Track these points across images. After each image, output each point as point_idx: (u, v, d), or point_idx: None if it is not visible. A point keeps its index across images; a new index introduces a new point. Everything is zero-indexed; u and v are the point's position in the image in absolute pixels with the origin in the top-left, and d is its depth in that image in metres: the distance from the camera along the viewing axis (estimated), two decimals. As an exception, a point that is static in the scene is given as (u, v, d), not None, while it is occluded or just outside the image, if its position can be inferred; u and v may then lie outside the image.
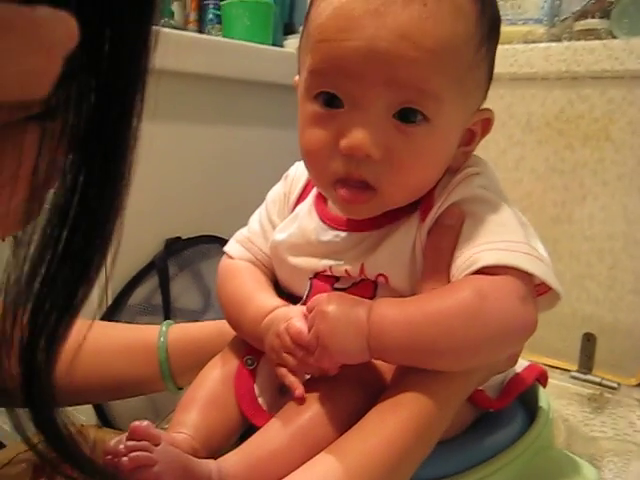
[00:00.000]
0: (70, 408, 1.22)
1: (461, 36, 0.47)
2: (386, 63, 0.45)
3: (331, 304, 0.46)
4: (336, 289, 0.54)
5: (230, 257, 0.62)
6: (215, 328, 0.68)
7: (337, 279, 0.55)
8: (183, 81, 1.21)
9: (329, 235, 0.55)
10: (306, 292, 0.55)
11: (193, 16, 1.70)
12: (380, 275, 0.52)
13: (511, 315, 0.46)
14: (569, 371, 0.90)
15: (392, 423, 0.46)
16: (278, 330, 0.50)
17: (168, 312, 1.21)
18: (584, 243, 0.92)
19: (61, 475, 1.00)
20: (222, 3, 1.41)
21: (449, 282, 0.49)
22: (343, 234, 0.54)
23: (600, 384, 0.86)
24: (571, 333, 0.92)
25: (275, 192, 0.64)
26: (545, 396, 0.64)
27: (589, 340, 0.88)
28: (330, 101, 0.48)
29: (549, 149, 0.94)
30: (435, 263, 0.50)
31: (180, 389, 0.68)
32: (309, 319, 0.48)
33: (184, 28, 1.68)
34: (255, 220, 0.64)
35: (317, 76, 0.48)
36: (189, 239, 1.24)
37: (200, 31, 1.68)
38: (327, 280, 0.55)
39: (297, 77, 0.56)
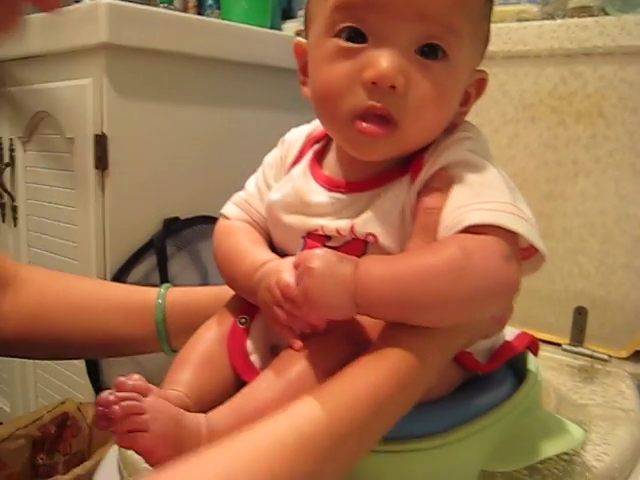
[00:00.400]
0: (68, 386, 1.24)
1: None
2: None
3: (317, 260, 0.47)
4: (327, 247, 0.54)
5: (227, 218, 0.64)
6: (213, 293, 0.70)
7: (329, 238, 0.56)
8: (182, 63, 1.22)
9: (322, 196, 0.56)
10: (299, 251, 0.56)
11: (192, 1, 1.71)
12: (370, 234, 0.53)
13: (495, 273, 0.47)
14: (561, 345, 0.91)
15: (375, 372, 0.46)
16: (269, 284, 0.51)
17: (166, 291, 1.22)
18: (576, 218, 0.93)
19: (59, 452, 1.01)
20: (220, -14, 1.42)
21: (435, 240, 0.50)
22: (336, 195, 0.56)
23: (591, 356, 0.87)
24: (563, 307, 0.93)
25: (271, 156, 0.66)
26: (534, 361, 0.66)
27: (580, 314, 0.89)
28: (354, 36, 0.49)
29: (542, 126, 0.95)
30: (423, 223, 0.51)
31: (175, 352, 0.69)
32: (296, 275, 0.49)
33: (184, 12, 1.69)
34: (252, 183, 0.66)
35: (342, 10, 0.49)
36: (187, 219, 1.26)
37: (200, 15, 1.69)
38: (319, 239, 0.56)
39: (298, 39, 0.57)
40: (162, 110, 1.21)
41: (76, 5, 1.17)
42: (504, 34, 0.97)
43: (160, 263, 1.21)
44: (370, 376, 0.46)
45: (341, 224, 0.54)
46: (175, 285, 0.72)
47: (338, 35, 0.50)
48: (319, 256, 0.48)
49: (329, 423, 0.43)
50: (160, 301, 0.70)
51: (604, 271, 0.91)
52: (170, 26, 1.17)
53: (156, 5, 1.56)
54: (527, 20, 0.96)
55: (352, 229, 0.53)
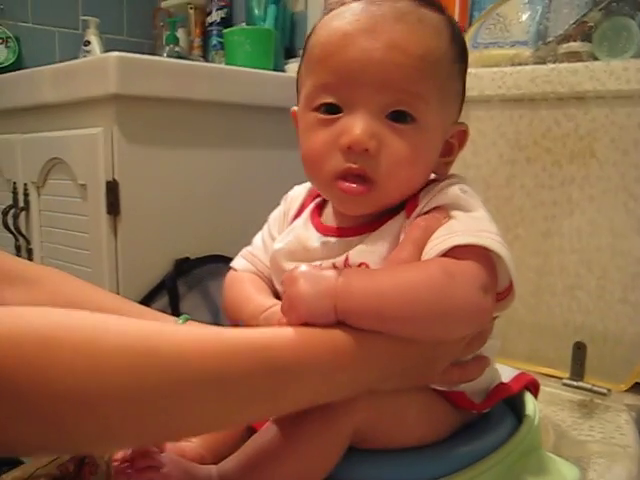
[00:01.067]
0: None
1: (440, 49, 0.56)
2: (380, 69, 0.53)
3: (302, 269, 0.50)
4: None
5: (235, 270, 0.69)
6: None
7: None
8: (189, 108, 1.26)
9: (320, 241, 0.61)
10: None
11: (197, 42, 1.77)
12: (362, 263, 0.56)
13: (472, 298, 0.50)
14: (562, 379, 0.93)
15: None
16: (272, 325, 0.54)
17: (178, 330, 1.25)
18: (573, 255, 0.95)
19: None
20: (224, 31, 1.46)
21: (419, 256, 0.53)
22: (334, 239, 0.60)
23: (591, 390, 0.89)
24: (563, 342, 0.95)
25: (275, 212, 0.71)
26: (533, 403, 0.68)
27: (580, 348, 0.92)
28: (330, 110, 0.56)
29: (538, 166, 0.98)
30: (412, 236, 0.55)
31: None
32: (283, 287, 0.51)
33: (189, 54, 1.74)
34: (258, 237, 0.71)
35: (320, 88, 0.56)
36: (197, 259, 1.29)
37: (204, 56, 1.74)
38: None
39: (294, 107, 0.63)
40: (170, 154, 1.25)
41: (87, 58, 1.22)
42: (499, 78, 1.00)
43: (172, 303, 1.24)
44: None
45: (337, 259, 0.58)
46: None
47: (317, 109, 0.57)
48: (303, 267, 0.50)
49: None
50: None
51: (602, 306, 0.93)
52: (176, 74, 1.21)
53: (162, 48, 1.62)
54: (520, 64, 0.99)
55: (346, 260, 0.57)
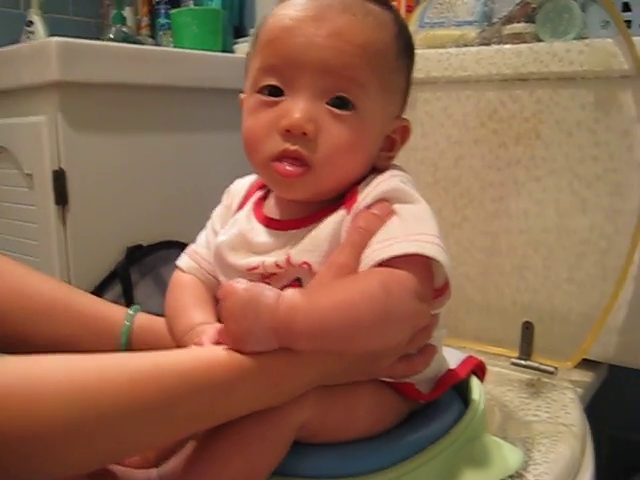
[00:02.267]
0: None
1: (384, 41, 0.58)
2: (322, 54, 0.54)
3: (240, 289, 0.48)
4: None
5: (180, 269, 0.68)
6: None
7: (269, 284, 0.59)
8: (136, 93, 1.24)
9: (263, 235, 0.61)
10: None
11: (145, 21, 1.73)
12: (304, 263, 0.56)
13: (409, 310, 0.52)
14: (511, 358, 0.95)
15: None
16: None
17: (133, 318, 1.24)
18: (521, 236, 0.97)
19: None
20: (171, 12, 1.43)
21: (358, 259, 0.54)
22: (276, 232, 0.60)
23: (538, 369, 0.91)
24: (512, 321, 0.97)
25: (218, 208, 0.71)
26: (478, 388, 0.69)
27: (528, 328, 0.93)
28: (273, 92, 0.56)
29: (485, 148, 0.98)
30: (352, 239, 0.55)
31: None
32: (221, 313, 0.51)
33: (137, 34, 1.70)
34: (202, 235, 0.71)
35: (263, 71, 0.57)
36: (150, 246, 1.28)
37: (152, 36, 1.70)
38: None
39: (242, 95, 0.63)
40: (119, 141, 1.23)
41: (27, 44, 1.18)
42: (444, 60, 1.00)
43: (125, 291, 1.23)
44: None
45: (279, 258, 0.58)
46: (143, 310, 0.72)
47: (261, 91, 0.57)
48: (242, 286, 0.48)
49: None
50: (127, 323, 0.70)
51: (549, 285, 0.95)
52: (122, 59, 1.19)
53: (109, 27, 1.58)
54: (466, 46, 0.99)
55: (288, 260, 0.57)
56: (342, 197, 0.59)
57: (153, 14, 1.71)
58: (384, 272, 0.52)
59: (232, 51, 1.48)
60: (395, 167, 0.61)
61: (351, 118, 0.56)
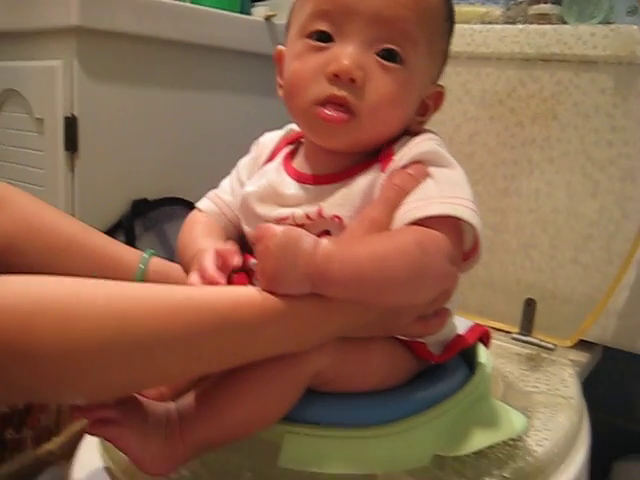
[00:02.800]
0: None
1: (435, 4, 0.58)
2: (377, 3, 0.54)
3: (279, 233, 0.48)
4: None
5: (199, 210, 0.69)
6: None
7: None
8: (152, 46, 1.23)
9: (294, 187, 0.61)
10: None
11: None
12: (335, 216, 0.57)
13: (441, 270, 0.53)
14: (511, 333, 0.97)
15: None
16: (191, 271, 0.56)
17: (133, 271, 1.24)
18: (529, 215, 0.98)
19: (27, 426, 1.01)
20: (191, -30, 1.41)
21: (392, 217, 0.55)
22: (306, 186, 0.60)
23: (538, 345, 0.93)
24: (515, 298, 0.98)
25: (245, 158, 0.71)
26: (485, 353, 0.71)
27: (530, 305, 0.95)
28: (322, 38, 0.56)
29: (500, 125, 0.99)
30: (387, 195, 0.56)
31: None
32: (257, 252, 0.50)
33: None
34: (226, 181, 0.71)
35: (314, 16, 0.57)
36: (155, 200, 1.28)
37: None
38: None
39: (279, 47, 0.63)
40: (132, 92, 1.22)
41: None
42: (468, 35, 1.01)
43: (128, 243, 1.23)
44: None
45: (310, 209, 0.58)
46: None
47: (310, 36, 0.57)
48: (281, 228, 0.49)
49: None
50: (142, 266, 0.70)
51: (553, 265, 0.96)
52: (141, 10, 1.18)
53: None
54: (490, 23, 1.00)
55: (320, 212, 0.57)
56: (374, 155, 0.59)
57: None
58: (419, 230, 0.52)
59: (250, 13, 1.47)
60: (429, 131, 0.62)
61: (398, 71, 0.56)
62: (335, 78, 0.54)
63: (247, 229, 0.64)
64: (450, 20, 0.61)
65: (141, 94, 1.24)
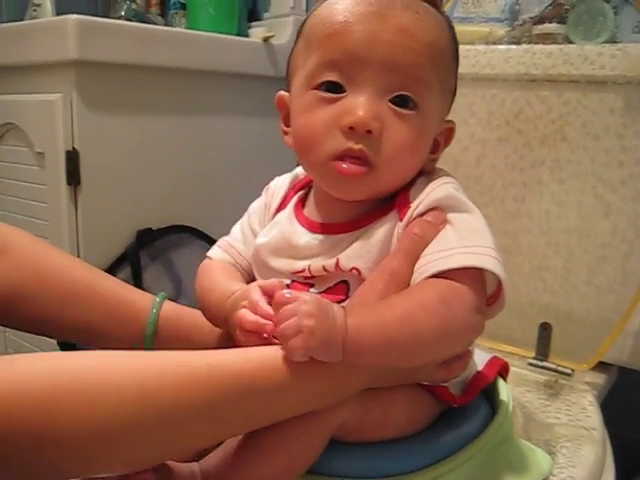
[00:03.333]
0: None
1: (445, 41, 0.57)
2: (388, 50, 0.53)
3: (307, 300, 0.47)
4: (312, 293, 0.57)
5: (210, 259, 0.67)
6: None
7: (312, 285, 0.58)
8: (151, 75, 1.22)
9: (307, 238, 0.59)
10: None
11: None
12: (354, 268, 0.56)
13: (468, 323, 0.52)
14: (527, 358, 0.96)
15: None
16: (238, 308, 0.54)
17: (141, 302, 1.23)
18: (541, 237, 0.97)
19: None
20: (187, -8, 1.41)
21: (412, 268, 0.54)
22: (321, 236, 0.59)
23: (555, 370, 0.92)
24: (529, 322, 0.97)
25: (256, 203, 0.69)
26: (505, 389, 0.69)
27: (545, 329, 0.94)
28: (333, 89, 0.54)
29: (509, 147, 0.98)
30: (406, 246, 0.54)
31: None
32: (283, 312, 0.48)
33: (147, 11, 1.67)
34: (237, 228, 0.69)
35: (324, 66, 0.55)
36: (160, 229, 1.27)
37: (162, 15, 1.67)
38: (304, 285, 0.59)
39: (280, 92, 0.62)
40: (132, 122, 1.21)
41: (44, 20, 1.16)
42: (472, 57, 1.00)
43: (134, 275, 1.22)
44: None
45: (327, 262, 0.57)
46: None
47: (319, 87, 0.55)
48: (308, 297, 0.48)
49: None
50: (155, 311, 0.69)
51: (567, 287, 0.95)
52: (138, 39, 1.17)
53: (117, 3, 1.55)
54: (494, 43, 0.99)
55: (337, 264, 0.56)
56: (389, 200, 0.58)
57: (163, -8, 1.68)
58: (442, 285, 0.51)
59: (247, 35, 1.46)
60: (442, 171, 0.61)
61: (414, 118, 0.55)
62: (351, 131, 0.53)
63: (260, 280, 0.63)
64: (457, 56, 0.60)
65: (142, 123, 1.22)
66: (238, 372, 0.47)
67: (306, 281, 0.59)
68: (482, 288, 0.53)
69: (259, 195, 0.69)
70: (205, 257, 0.68)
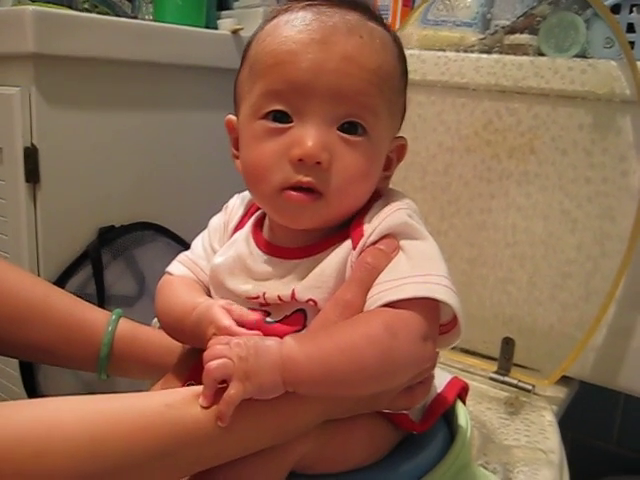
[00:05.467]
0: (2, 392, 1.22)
1: (390, 64, 0.56)
2: (334, 79, 0.51)
3: (240, 343, 0.47)
4: (268, 322, 0.56)
5: (171, 275, 0.65)
6: (163, 336, 0.66)
7: (268, 314, 0.57)
8: (114, 68, 1.19)
9: (263, 261, 0.58)
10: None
11: (123, -15, 1.64)
12: (310, 300, 0.54)
13: (415, 353, 0.51)
14: (488, 371, 0.95)
15: None
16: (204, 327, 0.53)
17: (102, 300, 1.21)
18: (507, 249, 0.96)
19: None
20: (154, -18, 1.36)
21: (364, 297, 0.52)
22: (277, 260, 0.58)
23: (516, 386, 0.92)
24: (492, 334, 0.97)
25: (215, 221, 0.67)
26: (463, 412, 0.68)
27: (508, 344, 0.94)
28: (279, 118, 0.53)
29: (477, 158, 0.97)
30: (359, 276, 0.53)
31: (108, 377, 0.70)
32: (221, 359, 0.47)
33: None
34: (198, 243, 0.67)
35: (269, 96, 0.53)
36: (122, 227, 1.25)
37: (130, 0, 1.62)
38: (260, 314, 0.57)
39: (229, 116, 0.60)
40: (95, 118, 1.17)
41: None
42: (442, 64, 0.98)
43: (96, 273, 1.20)
44: None
45: (282, 291, 0.55)
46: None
47: (265, 117, 0.54)
48: (235, 343, 0.47)
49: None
50: (110, 329, 0.69)
51: (531, 301, 0.95)
52: (100, 32, 1.13)
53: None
54: (465, 51, 0.97)
55: (293, 294, 0.55)
56: (345, 224, 0.57)
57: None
58: (389, 313, 0.50)
59: (216, 26, 1.42)
60: (397, 194, 0.59)
61: (363, 144, 0.53)
62: (300, 163, 0.51)
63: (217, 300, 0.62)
64: (405, 73, 0.59)
65: (105, 118, 1.19)
66: (193, 415, 0.46)
67: (262, 308, 0.58)
68: (432, 316, 0.52)
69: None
70: (165, 273, 0.66)
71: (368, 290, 0.53)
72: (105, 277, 1.22)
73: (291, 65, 0.52)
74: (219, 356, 0.47)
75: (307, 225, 0.56)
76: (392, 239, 0.54)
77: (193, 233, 0.68)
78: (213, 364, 0.46)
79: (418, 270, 0.52)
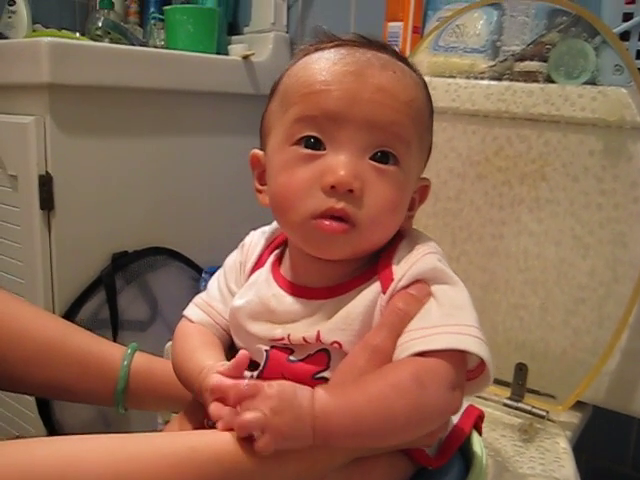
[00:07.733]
0: (19, 419, 1.23)
1: (422, 100, 0.57)
2: (368, 108, 0.53)
3: (273, 391, 0.47)
4: (291, 361, 0.56)
5: (189, 321, 0.65)
6: None
7: (292, 351, 0.57)
8: (127, 96, 1.21)
9: (287, 302, 0.58)
10: (263, 363, 0.57)
11: (134, 8, 1.67)
12: (335, 342, 0.54)
13: (443, 404, 0.51)
14: (502, 396, 0.95)
15: None
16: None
17: (116, 325, 1.22)
18: (519, 275, 0.96)
19: None
20: (165, 8, 1.38)
21: (395, 344, 0.53)
22: (301, 301, 0.57)
23: (530, 412, 0.92)
24: (505, 360, 0.97)
25: (231, 260, 0.67)
26: (478, 441, 0.68)
27: (521, 369, 0.94)
28: (313, 145, 0.54)
29: (488, 184, 0.97)
30: (390, 321, 0.53)
31: (126, 410, 0.71)
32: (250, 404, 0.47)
33: (125, 20, 1.65)
34: (214, 286, 0.67)
35: (303, 122, 0.54)
36: (135, 252, 1.26)
37: (141, 24, 1.64)
38: (283, 353, 0.57)
39: (254, 150, 0.61)
40: (107, 145, 1.19)
41: (15, 40, 1.13)
42: (453, 91, 0.98)
43: (109, 299, 1.21)
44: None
45: (307, 333, 0.55)
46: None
47: (298, 143, 0.54)
48: (275, 391, 0.47)
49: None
50: (125, 363, 0.69)
51: (544, 327, 0.95)
52: (113, 60, 1.15)
53: (96, 11, 1.52)
54: (476, 78, 0.98)
55: (318, 337, 0.55)
56: (368, 264, 0.57)
57: (143, 1, 1.65)
58: (417, 363, 0.50)
59: (226, 51, 1.43)
60: (422, 235, 0.59)
61: (394, 174, 0.54)
62: (332, 190, 0.52)
63: (239, 343, 0.62)
64: (432, 115, 0.60)
65: (118, 146, 1.20)
66: (219, 457, 0.46)
67: (285, 347, 0.58)
68: (461, 366, 0.52)
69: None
70: (182, 317, 0.66)
71: (398, 336, 0.53)
72: (119, 302, 1.23)
73: (326, 93, 0.53)
74: (251, 407, 0.46)
75: (337, 256, 0.56)
76: (423, 284, 0.54)
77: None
78: (247, 416, 0.46)
79: (449, 319, 0.52)
